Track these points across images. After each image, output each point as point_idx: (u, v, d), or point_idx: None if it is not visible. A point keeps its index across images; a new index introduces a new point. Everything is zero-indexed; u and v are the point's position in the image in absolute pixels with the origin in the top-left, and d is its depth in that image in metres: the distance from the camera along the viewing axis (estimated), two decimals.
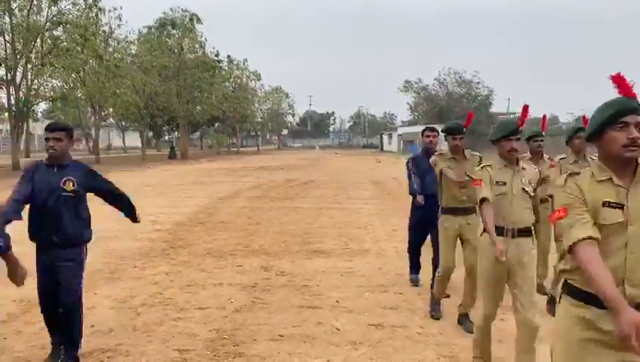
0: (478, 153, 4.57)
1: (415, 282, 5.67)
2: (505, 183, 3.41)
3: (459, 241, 4.52)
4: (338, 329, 4.31)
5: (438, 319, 4.56)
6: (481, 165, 3.67)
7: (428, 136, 5.38)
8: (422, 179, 5.36)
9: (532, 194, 3.43)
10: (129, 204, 4.10)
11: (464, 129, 4.48)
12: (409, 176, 5.70)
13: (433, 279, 4.84)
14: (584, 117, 5.00)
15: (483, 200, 3.44)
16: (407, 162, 5.72)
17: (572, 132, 4.81)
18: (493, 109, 66.08)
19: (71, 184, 3.54)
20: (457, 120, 5.01)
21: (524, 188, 3.40)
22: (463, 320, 4.42)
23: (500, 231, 3.33)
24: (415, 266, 5.80)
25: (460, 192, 4.39)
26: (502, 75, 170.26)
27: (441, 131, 4.63)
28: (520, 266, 3.34)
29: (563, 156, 4.91)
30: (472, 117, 4.68)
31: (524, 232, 3.40)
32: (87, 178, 3.66)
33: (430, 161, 4.68)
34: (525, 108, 3.53)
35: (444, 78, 69.23)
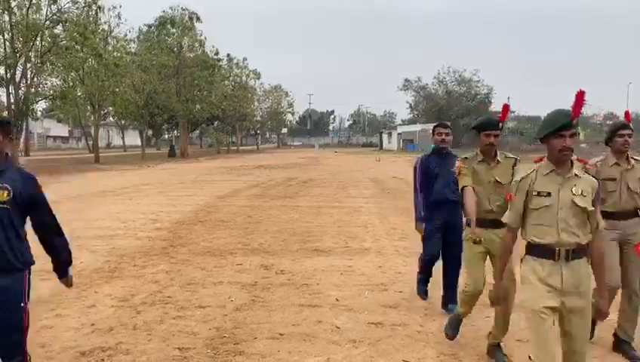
0: (512, 155, 3.88)
1: (424, 295, 5.09)
2: (549, 194, 2.76)
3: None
4: (338, 328, 4.31)
5: (452, 339, 3.98)
6: (522, 176, 2.92)
7: (440, 134, 4.74)
8: (431, 184, 4.76)
9: (589, 208, 2.74)
10: (64, 247, 3.11)
11: (500, 124, 3.78)
12: (418, 183, 4.93)
13: (446, 299, 4.69)
14: (627, 112, 4.27)
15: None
16: (416, 165, 4.96)
17: (615, 128, 3.94)
18: (493, 108, 66.14)
19: (5, 194, 2.77)
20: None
21: (574, 201, 2.73)
22: (495, 351, 3.78)
23: (549, 252, 2.74)
24: (425, 281, 5.17)
25: (490, 201, 3.74)
26: (501, 74, 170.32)
27: (472, 128, 3.91)
28: (575, 298, 2.73)
29: (601, 158, 4.09)
30: (507, 109, 3.92)
31: (579, 252, 2.76)
32: (27, 187, 2.87)
33: (454, 170, 3.97)
34: (580, 96, 2.75)
35: (444, 77, 69.37)
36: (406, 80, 71.47)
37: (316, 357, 3.76)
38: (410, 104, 75.25)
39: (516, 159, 3.82)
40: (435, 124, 4.91)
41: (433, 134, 4.82)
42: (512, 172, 3.75)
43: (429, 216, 4.80)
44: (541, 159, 3.11)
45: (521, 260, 2.89)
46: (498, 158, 3.79)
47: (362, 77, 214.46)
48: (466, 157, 3.88)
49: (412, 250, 7.20)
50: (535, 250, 2.81)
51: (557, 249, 2.73)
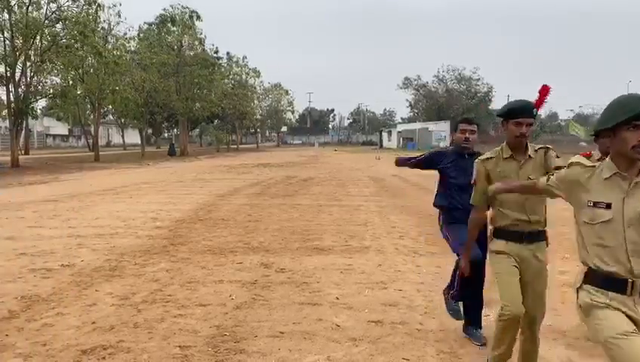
0: (542, 145, 3.17)
1: (456, 313, 4.09)
2: (609, 205, 2.12)
3: None
4: (338, 326, 4.32)
5: None
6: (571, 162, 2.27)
7: (463, 132, 3.91)
8: (452, 189, 4.00)
9: None
10: None
11: (535, 111, 3.06)
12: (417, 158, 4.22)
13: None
14: None
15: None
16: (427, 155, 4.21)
17: None
18: (493, 106, 66.21)
19: None
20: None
21: None
22: None
23: (619, 285, 2.08)
24: (456, 288, 4.04)
25: (525, 206, 3.05)
26: (501, 72, 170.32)
27: (498, 115, 3.18)
28: None
29: None
30: (547, 92, 3.09)
31: None
32: None
33: (473, 176, 3.24)
34: None
35: (444, 75, 69.45)
36: (406, 78, 71.62)
37: (316, 355, 3.77)
38: (410, 102, 75.37)
39: (547, 148, 3.11)
40: (458, 120, 4.05)
41: (455, 131, 3.99)
42: (545, 165, 3.07)
43: (452, 217, 4.02)
44: (587, 155, 2.63)
45: (578, 289, 2.23)
46: (530, 153, 3.09)
47: (362, 75, 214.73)
48: (488, 158, 3.16)
49: (412, 248, 7.23)
50: (597, 278, 2.14)
51: (629, 280, 2.07)
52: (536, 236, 3.08)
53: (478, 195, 3.22)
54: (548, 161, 3.04)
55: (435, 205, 4.24)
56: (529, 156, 3.08)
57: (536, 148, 3.11)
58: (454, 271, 4.04)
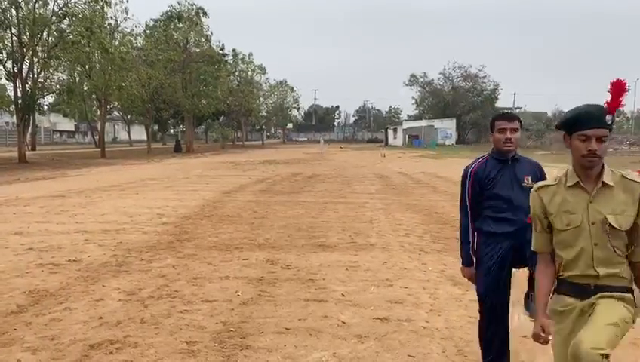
0: (635, 177, 2.21)
1: None
2: None
3: None
4: (344, 323, 4.33)
5: None
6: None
7: (503, 131, 3.10)
8: (490, 200, 3.16)
9: None
10: None
11: (611, 117, 2.17)
12: (462, 202, 3.29)
13: None
14: None
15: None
16: (467, 173, 3.26)
17: None
18: (499, 104, 66.03)
19: None
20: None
21: None
22: None
23: None
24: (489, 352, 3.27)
25: (593, 257, 2.17)
26: (507, 70, 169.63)
27: (558, 128, 2.28)
28: None
29: None
30: (623, 88, 2.26)
31: None
32: None
33: (525, 184, 2.58)
34: None
35: (450, 73, 69.31)
36: (412, 75, 71.75)
37: (322, 351, 3.78)
38: (416, 100, 75.33)
39: None
40: (494, 116, 3.24)
41: (492, 130, 3.18)
42: (638, 206, 2.15)
43: (486, 246, 3.17)
44: None
45: None
46: (605, 180, 2.18)
47: (368, 72, 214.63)
48: (546, 185, 2.32)
49: (417, 246, 7.23)
50: None
51: None
52: (608, 290, 2.18)
53: (540, 237, 2.33)
54: None
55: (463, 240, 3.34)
56: (602, 183, 2.17)
57: (622, 175, 2.20)
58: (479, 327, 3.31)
